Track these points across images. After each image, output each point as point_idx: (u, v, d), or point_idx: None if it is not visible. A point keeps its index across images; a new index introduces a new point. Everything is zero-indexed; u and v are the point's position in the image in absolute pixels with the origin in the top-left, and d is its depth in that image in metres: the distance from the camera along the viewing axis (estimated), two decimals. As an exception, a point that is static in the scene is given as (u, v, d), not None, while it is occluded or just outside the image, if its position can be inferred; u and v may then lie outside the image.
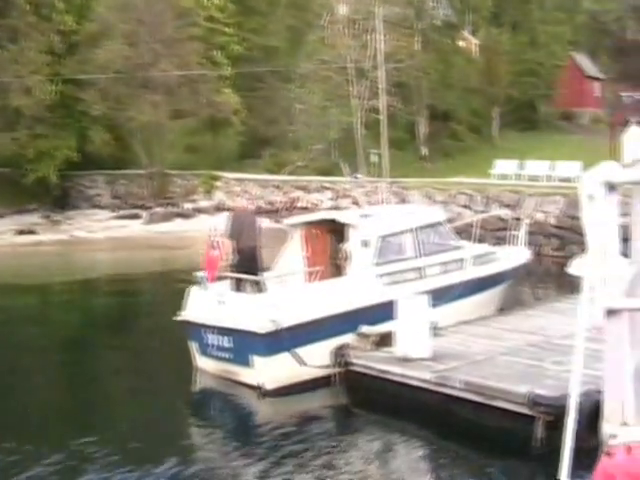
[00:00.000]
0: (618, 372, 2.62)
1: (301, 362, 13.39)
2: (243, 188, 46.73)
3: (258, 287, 14.11)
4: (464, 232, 18.93)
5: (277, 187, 44.29)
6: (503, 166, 39.52)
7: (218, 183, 48.75)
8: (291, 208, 40.65)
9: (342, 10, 53.41)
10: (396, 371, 12.35)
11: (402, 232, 15.54)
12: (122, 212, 47.89)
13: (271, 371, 13.30)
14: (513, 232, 18.60)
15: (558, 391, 10.03)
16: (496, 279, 17.07)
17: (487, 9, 61.03)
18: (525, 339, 13.63)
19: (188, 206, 47.20)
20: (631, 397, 2.69)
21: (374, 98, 44.18)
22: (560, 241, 29.51)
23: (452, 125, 52.12)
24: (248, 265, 14.76)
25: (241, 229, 15.16)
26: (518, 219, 20.33)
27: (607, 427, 2.62)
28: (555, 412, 9.77)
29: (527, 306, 17.35)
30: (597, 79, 65.52)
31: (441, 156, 48.94)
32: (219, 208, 45.48)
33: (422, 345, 12.67)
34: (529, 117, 55.93)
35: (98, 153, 50.16)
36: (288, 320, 13.18)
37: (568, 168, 37.72)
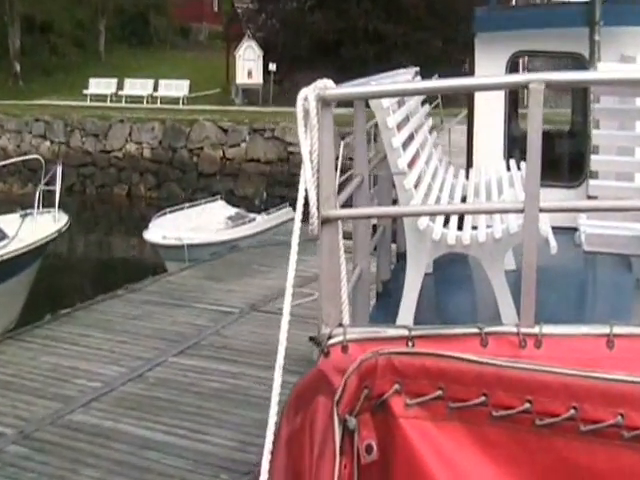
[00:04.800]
0: (333, 278, 2.54)
1: None
2: None
3: None
4: None
5: None
6: (99, 85, 34.04)
7: None
8: None
9: None
10: None
11: None
12: None
13: None
14: (45, 187, 13.06)
15: None
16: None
17: None
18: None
19: None
20: (346, 300, 2.60)
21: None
22: (156, 178, 25.22)
23: (52, 38, 45.45)
24: None
25: None
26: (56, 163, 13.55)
27: (324, 329, 2.36)
28: None
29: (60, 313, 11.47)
30: (216, -8, 61.65)
31: (39, 74, 42.31)
32: None
33: None
34: (142, 31, 50.64)
35: None
36: None
37: (174, 87, 33.45)
